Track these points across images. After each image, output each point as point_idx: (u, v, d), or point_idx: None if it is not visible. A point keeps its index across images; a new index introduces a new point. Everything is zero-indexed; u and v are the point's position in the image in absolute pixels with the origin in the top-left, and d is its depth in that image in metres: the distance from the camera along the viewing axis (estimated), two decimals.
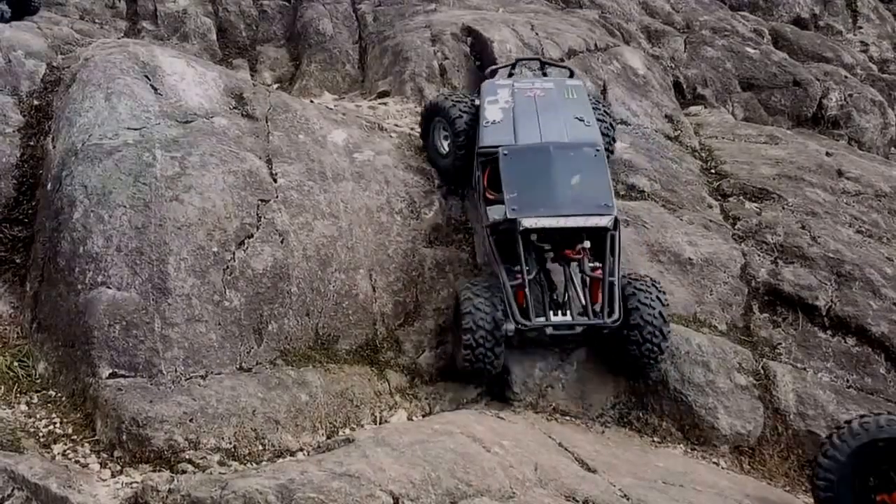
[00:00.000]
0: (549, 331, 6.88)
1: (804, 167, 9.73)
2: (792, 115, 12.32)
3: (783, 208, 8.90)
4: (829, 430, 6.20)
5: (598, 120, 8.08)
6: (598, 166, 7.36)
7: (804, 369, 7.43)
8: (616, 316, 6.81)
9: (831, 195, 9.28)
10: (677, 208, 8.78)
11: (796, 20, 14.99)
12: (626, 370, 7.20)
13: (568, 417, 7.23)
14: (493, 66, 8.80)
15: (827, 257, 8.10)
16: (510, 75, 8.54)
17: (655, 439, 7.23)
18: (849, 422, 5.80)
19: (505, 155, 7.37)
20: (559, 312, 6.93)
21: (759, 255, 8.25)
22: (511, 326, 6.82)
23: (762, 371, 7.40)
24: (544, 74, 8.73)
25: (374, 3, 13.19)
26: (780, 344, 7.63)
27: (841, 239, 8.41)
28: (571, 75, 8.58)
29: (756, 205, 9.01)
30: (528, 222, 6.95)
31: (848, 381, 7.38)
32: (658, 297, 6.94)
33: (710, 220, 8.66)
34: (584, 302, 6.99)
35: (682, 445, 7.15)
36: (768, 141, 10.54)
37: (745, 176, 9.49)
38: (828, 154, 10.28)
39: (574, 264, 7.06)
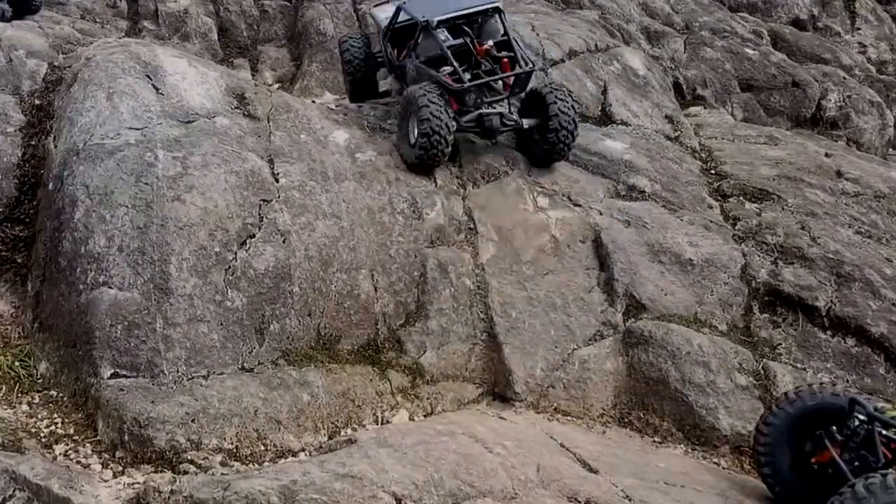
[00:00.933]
0: (486, 101, 8.45)
1: (803, 168, 9.74)
2: (791, 115, 12.36)
3: (783, 209, 8.91)
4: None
5: None
6: None
7: (804, 369, 7.44)
8: (530, 66, 8.51)
9: (831, 196, 9.29)
10: (678, 209, 8.79)
11: (795, 21, 15.03)
12: (541, 161, 8.82)
13: (569, 417, 7.25)
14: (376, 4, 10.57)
15: (827, 258, 8.11)
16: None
17: (656, 439, 7.25)
18: (786, 392, 6.36)
19: (404, 4, 9.01)
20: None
21: (759, 256, 8.26)
22: (454, 124, 8.09)
23: (762, 371, 7.41)
24: None
25: (375, 3, 13.20)
26: (780, 344, 7.64)
27: (840, 240, 8.42)
28: None
29: (756, 205, 9.02)
30: (438, 17, 8.60)
31: (847, 381, 7.39)
32: (573, 106, 8.57)
33: (711, 221, 8.67)
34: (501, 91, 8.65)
35: (682, 446, 7.17)
36: (768, 142, 10.55)
37: (745, 176, 9.50)
38: (827, 155, 10.29)
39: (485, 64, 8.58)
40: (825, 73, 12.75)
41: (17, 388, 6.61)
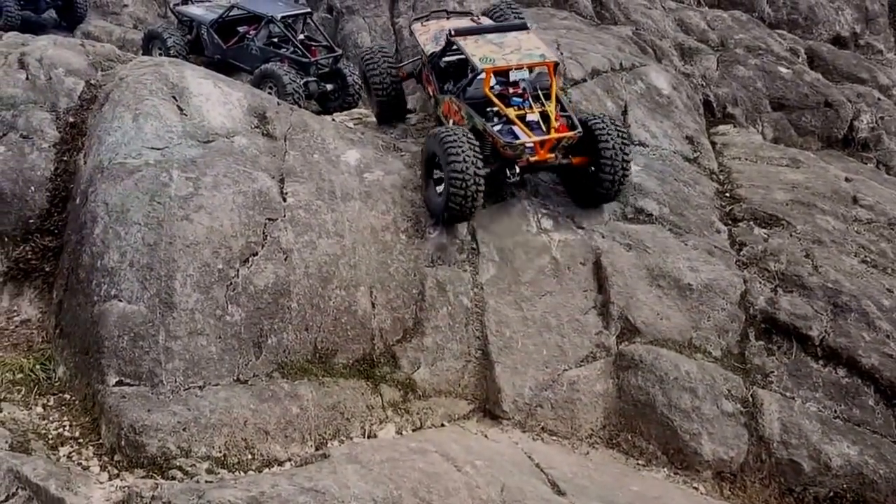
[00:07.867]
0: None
1: (819, 193, 9.70)
2: (822, 136, 12.29)
3: (790, 235, 8.93)
4: None
5: None
6: None
7: (792, 398, 7.49)
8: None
9: (842, 223, 9.25)
10: (684, 232, 8.86)
11: (836, 38, 14.86)
12: None
13: (555, 437, 7.45)
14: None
15: (825, 287, 8.13)
16: None
17: (641, 462, 7.41)
18: None
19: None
20: None
21: (759, 283, 8.32)
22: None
23: (750, 399, 7.51)
24: None
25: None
26: (772, 372, 7.70)
27: (843, 269, 8.42)
28: None
29: (765, 231, 9.04)
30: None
31: (835, 411, 7.43)
32: None
33: (715, 246, 8.73)
34: None
35: (665, 469, 7.32)
36: (790, 164, 10.51)
37: (759, 201, 9.51)
38: (847, 179, 10.23)
39: None
40: (859, 94, 12.64)
41: (35, 390, 7.13)
